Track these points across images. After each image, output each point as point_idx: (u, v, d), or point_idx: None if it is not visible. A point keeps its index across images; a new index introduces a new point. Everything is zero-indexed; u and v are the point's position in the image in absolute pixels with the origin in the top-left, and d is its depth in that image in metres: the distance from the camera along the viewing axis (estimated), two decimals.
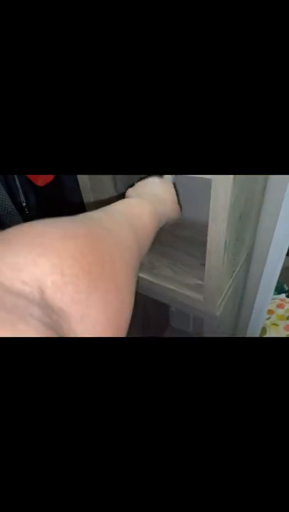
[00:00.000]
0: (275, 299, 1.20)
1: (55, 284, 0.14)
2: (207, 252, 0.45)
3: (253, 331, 0.99)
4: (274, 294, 1.23)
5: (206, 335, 0.63)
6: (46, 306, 0.14)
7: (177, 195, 0.44)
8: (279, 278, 0.93)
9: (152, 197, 0.38)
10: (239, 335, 1.02)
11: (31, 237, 0.15)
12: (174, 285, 0.58)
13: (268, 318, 1.12)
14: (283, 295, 1.21)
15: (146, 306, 0.96)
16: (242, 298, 0.94)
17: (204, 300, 0.52)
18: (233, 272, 0.59)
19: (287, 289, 1.26)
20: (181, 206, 0.44)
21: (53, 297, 0.14)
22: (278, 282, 1.25)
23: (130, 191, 0.43)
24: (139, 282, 0.64)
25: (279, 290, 1.25)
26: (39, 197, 0.64)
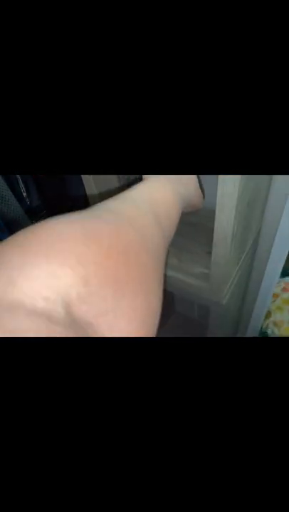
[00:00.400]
0: (280, 282, 1.19)
1: (80, 297, 0.13)
2: (214, 242, 0.44)
3: (258, 315, 0.99)
4: (280, 278, 1.22)
5: (212, 321, 0.64)
6: (72, 323, 0.13)
7: (199, 180, 0.40)
8: (285, 261, 0.92)
9: (174, 179, 0.34)
10: (244, 319, 1.02)
11: (49, 243, 0.14)
12: (179, 274, 0.57)
13: (273, 302, 1.13)
14: (288, 278, 1.20)
15: None
16: (248, 282, 0.94)
17: (210, 289, 0.52)
18: (240, 259, 0.58)
19: None
20: (203, 192, 0.40)
21: (79, 311, 0.13)
22: (284, 265, 1.24)
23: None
24: None
25: (284, 273, 1.24)
26: (40, 187, 0.63)
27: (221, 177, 0.36)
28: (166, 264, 0.60)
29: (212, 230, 0.42)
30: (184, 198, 0.33)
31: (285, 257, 0.89)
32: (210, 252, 0.46)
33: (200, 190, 0.39)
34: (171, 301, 1.18)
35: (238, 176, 0.35)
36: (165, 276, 0.59)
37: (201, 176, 0.57)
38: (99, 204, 0.21)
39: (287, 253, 0.89)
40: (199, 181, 0.40)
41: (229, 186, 0.36)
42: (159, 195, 0.28)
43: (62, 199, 0.66)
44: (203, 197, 0.40)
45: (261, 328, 1.01)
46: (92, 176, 0.55)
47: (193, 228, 0.70)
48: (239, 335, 1.09)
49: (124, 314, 0.15)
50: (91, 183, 0.56)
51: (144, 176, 0.38)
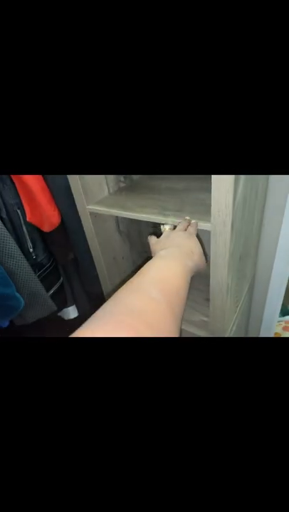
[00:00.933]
0: (281, 321, 1.19)
1: None
2: (210, 295, 0.47)
3: None
4: (279, 317, 1.22)
5: None
6: None
7: (202, 245, 0.43)
8: (283, 300, 0.93)
9: (179, 250, 0.38)
10: None
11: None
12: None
13: None
14: (288, 317, 1.21)
15: None
16: (247, 326, 0.94)
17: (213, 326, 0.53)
18: (237, 306, 0.60)
19: None
20: (207, 256, 0.43)
21: None
22: (283, 304, 1.25)
23: (155, 245, 0.42)
24: None
25: (284, 312, 1.24)
26: (45, 242, 0.67)
27: (212, 238, 0.40)
28: None
29: (209, 276, 0.45)
30: (192, 270, 0.37)
31: (282, 297, 0.91)
32: (208, 299, 0.49)
33: (203, 256, 0.41)
34: None
35: (228, 239, 0.39)
36: None
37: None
38: (116, 298, 0.26)
39: (283, 292, 0.90)
40: (203, 247, 0.43)
41: (220, 247, 0.40)
42: (169, 273, 0.32)
43: (66, 253, 0.70)
44: (207, 260, 0.43)
45: None
46: (92, 226, 0.59)
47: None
48: None
49: None
50: (93, 235, 0.60)
51: (153, 251, 0.41)
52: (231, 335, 0.57)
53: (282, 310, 1.25)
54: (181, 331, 0.29)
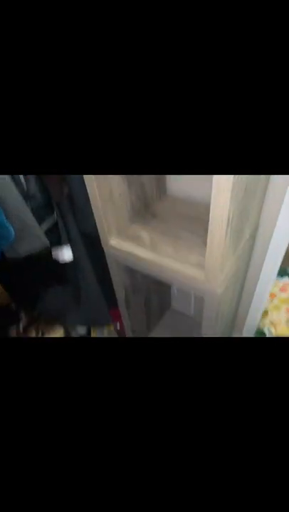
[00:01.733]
0: (279, 282, 1.18)
1: None
2: (209, 225, 0.44)
3: (255, 314, 0.99)
4: (277, 278, 1.21)
5: (207, 314, 0.63)
6: None
7: None
8: (283, 261, 0.91)
9: None
10: (240, 318, 1.02)
11: None
12: (175, 262, 0.57)
13: (271, 301, 1.12)
14: (287, 278, 1.20)
15: (149, 286, 0.96)
16: (244, 280, 0.93)
17: (205, 277, 0.52)
18: (235, 248, 0.58)
19: None
20: None
21: None
22: (282, 266, 1.23)
23: None
24: (140, 261, 0.63)
25: (282, 273, 1.23)
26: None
27: None
28: (163, 254, 0.60)
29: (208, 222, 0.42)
30: None
31: (281, 257, 0.89)
32: (206, 243, 0.46)
33: None
34: (168, 296, 1.18)
35: None
36: (161, 264, 0.59)
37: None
38: None
39: (284, 252, 0.88)
40: None
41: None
42: None
43: (61, 186, 0.66)
44: None
45: (258, 328, 1.01)
46: None
47: (190, 221, 0.70)
48: (235, 334, 1.08)
49: None
50: None
51: None
52: (226, 283, 0.55)
53: (280, 271, 1.24)
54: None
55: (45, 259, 0.77)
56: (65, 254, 0.76)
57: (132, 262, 0.66)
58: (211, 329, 0.66)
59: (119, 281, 0.78)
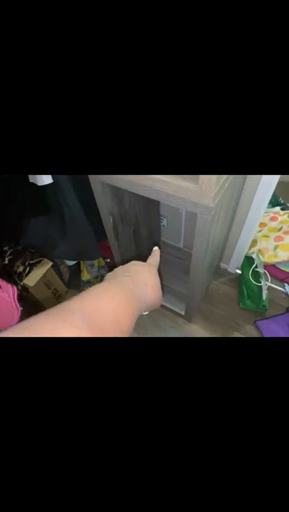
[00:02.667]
0: (269, 212, 1.17)
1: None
2: None
3: (244, 243, 0.99)
4: (269, 208, 1.19)
5: (198, 235, 0.61)
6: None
7: (161, 280, 0.40)
8: (275, 191, 0.88)
9: (131, 279, 0.35)
10: (230, 246, 1.02)
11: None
12: (169, 176, 0.52)
13: (260, 231, 1.12)
14: (278, 208, 1.18)
15: (137, 217, 0.92)
16: (236, 207, 0.90)
17: (199, 189, 0.47)
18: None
19: (282, 202, 1.22)
20: (163, 292, 0.41)
21: None
22: (274, 195, 1.20)
23: (111, 273, 0.39)
24: (128, 179, 0.57)
25: (274, 203, 1.21)
26: None
27: None
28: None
29: None
30: (140, 301, 0.34)
31: (274, 186, 0.85)
32: None
33: (160, 292, 0.40)
34: (157, 228, 1.15)
35: None
36: (153, 177, 0.54)
37: None
38: (34, 328, 0.23)
39: (277, 181, 0.84)
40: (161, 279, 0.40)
41: None
42: (108, 305, 0.30)
43: None
44: (163, 295, 0.41)
45: (246, 254, 1.02)
46: None
47: None
48: (223, 265, 1.11)
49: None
50: None
51: (106, 279, 0.37)
52: (218, 197, 0.52)
53: (272, 201, 1.22)
54: None
55: (21, 184, 0.70)
56: (44, 178, 0.69)
57: (117, 180, 0.60)
58: (200, 256, 0.65)
59: (105, 208, 0.73)
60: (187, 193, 0.50)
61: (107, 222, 0.79)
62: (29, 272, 0.90)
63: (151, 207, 1.01)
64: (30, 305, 1.05)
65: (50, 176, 0.69)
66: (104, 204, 0.72)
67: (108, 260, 1.16)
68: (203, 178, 0.46)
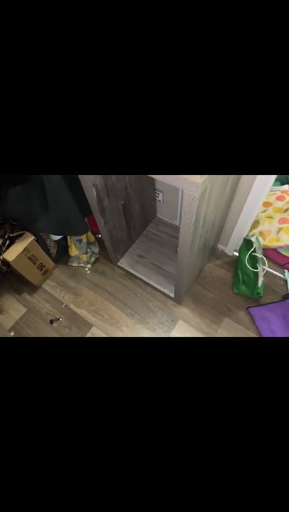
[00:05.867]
0: (276, 191, 1.06)
1: None
2: None
3: (244, 223, 0.90)
4: (276, 185, 1.08)
5: (185, 215, 0.54)
6: None
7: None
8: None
9: None
10: (228, 226, 0.94)
11: None
12: None
13: (264, 211, 1.02)
14: (287, 186, 1.07)
15: (127, 190, 0.84)
16: (236, 184, 0.81)
17: None
18: None
19: None
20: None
21: None
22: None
23: None
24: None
25: (283, 181, 1.10)
26: None
27: None
28: None
29: None
30: None
31: None
32: None
33: None
34: (152, 204, 1.07)
35: None
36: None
37: None
38: None
39: None
40: None
41: None
42: None
43: None
44: None
45: (245, 237, 0.94)
46: None
47: None
48: (220, 245, 1.03)
49: None
50: None
51: None
52: (203, 182, 0.43)
53: (281, 179, 1.10)
54: None
55: None
56: None
57: None
58: (188, 238, 0.58)
59: (86, 179, 0.65)
60: None
61: (91, 195, 0.71)
62: (10, 245, 0.85)
63: (144, 180, 0.92)
64: (16, 277, 1.01)
65: None
66: (86, 175, 0.64)
67: (100, 236, 1.10)
68: None
